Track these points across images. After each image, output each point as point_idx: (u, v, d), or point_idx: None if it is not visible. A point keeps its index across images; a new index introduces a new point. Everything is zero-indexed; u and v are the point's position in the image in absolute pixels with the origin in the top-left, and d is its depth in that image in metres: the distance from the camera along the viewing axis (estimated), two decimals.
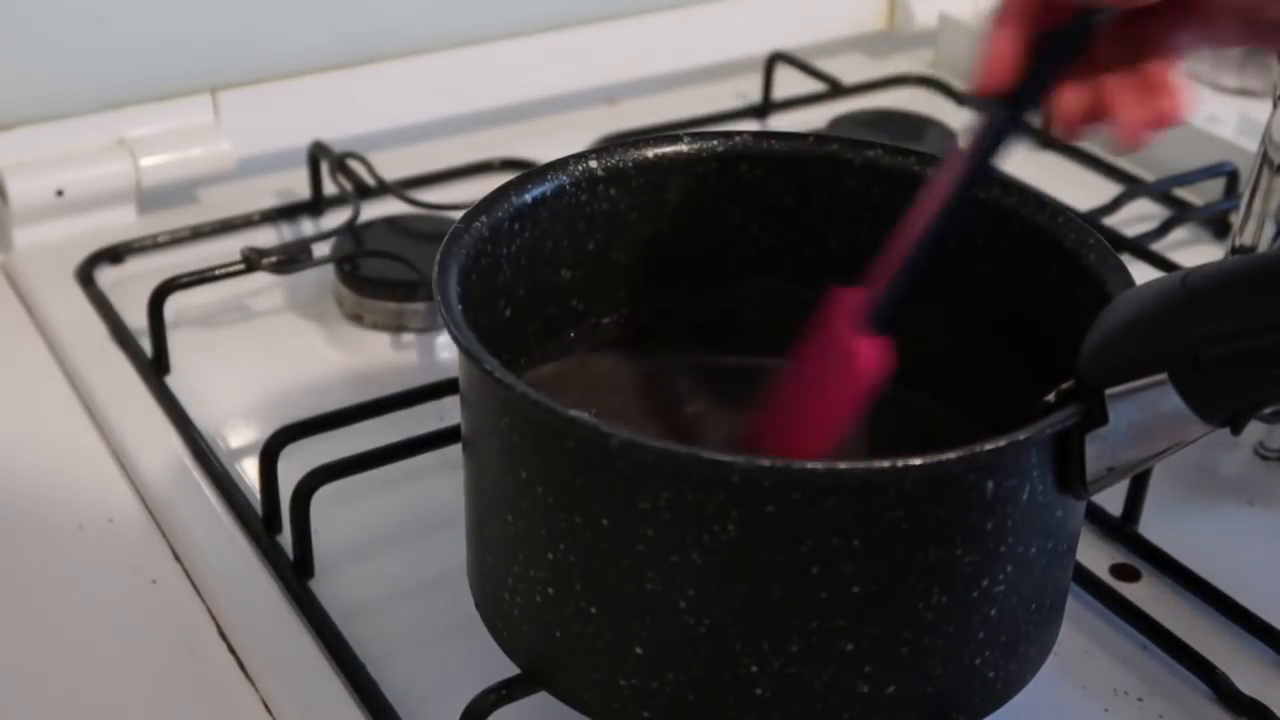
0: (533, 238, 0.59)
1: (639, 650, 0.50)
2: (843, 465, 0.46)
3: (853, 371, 0.56)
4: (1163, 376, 0.47)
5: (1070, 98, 0.53)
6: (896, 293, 0.55)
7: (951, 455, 0.46)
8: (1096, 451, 0.49)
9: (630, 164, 0.61)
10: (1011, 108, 0.53)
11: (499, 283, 0.58)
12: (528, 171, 0.59)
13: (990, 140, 0.53)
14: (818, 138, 0.62)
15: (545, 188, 0.59)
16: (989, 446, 0.46)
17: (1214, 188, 0.91)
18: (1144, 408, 0.48)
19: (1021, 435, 0.47)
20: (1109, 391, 0.48)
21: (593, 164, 0.60)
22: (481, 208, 0.57)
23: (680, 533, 0.48)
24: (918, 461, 0.46)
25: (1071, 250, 0.56)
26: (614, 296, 0.63)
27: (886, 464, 0.46)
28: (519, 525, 0.51)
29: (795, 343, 0.58)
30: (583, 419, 0.47)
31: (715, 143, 0.62)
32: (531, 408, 0.48)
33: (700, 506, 0.47)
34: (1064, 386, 0.49)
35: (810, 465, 0.46)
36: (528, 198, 0.58)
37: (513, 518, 0.52)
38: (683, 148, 0.61)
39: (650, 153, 0.61)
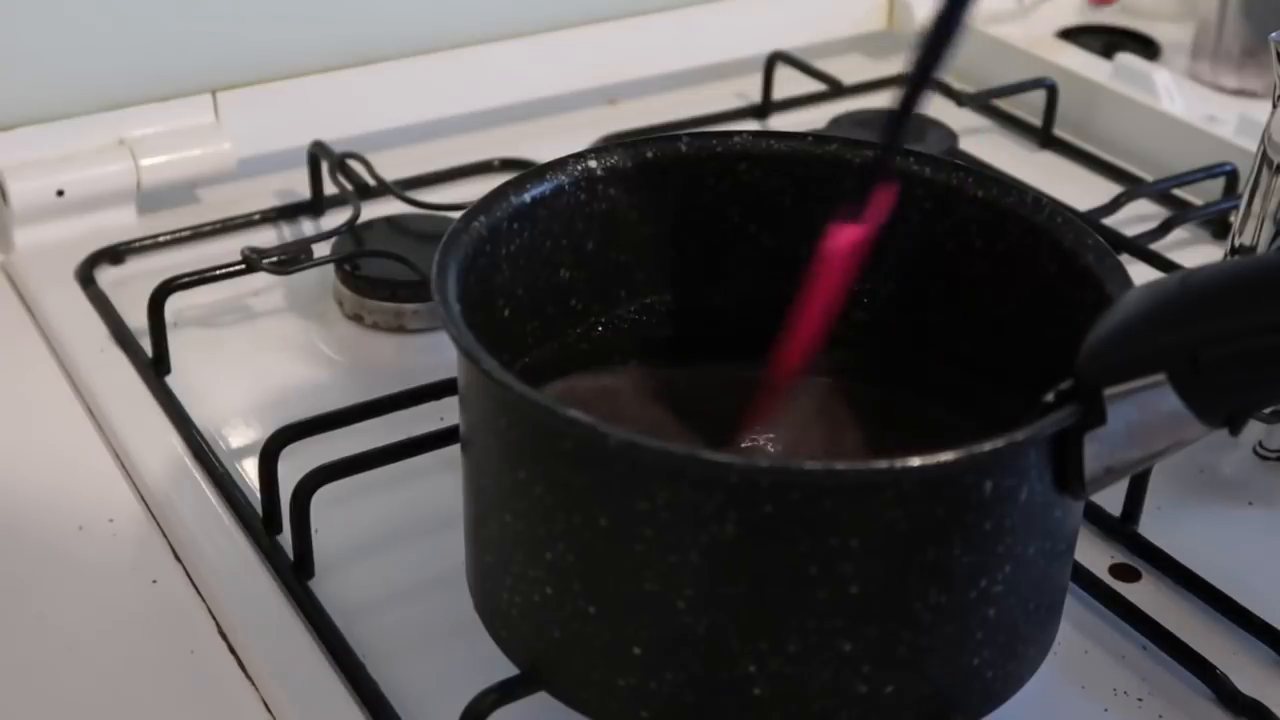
0: (531, 237, 0.59)
1: (637, 650, 0.50)
2: (840, 466, 0.47)
3: (824, 257, 0.55)
4: (1161, 377, 0.47)
5: None
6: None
7: (950, 456, 0.46)
8: (1095, 451, 0.49)
9: (629, 164, 0.61)
10: None
11: (497, 283, 0.58)
12: (526, 171, 0.59)
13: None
14: (817, 138, 0.62)
15: (544, 188, 0.59)
16: (987, 447, 0.46)
17: (1214, 188, 0.91)
18: (1143, 408, 0.48)
19: (1020, 435, 0.47)
20: (1107, 391, 0.48)
21: (592, 164, 0.60)
22: (480, 208, 0.57)
23: (678, 533, 0.48)
24: (916, 462, 0.45)
25: (1070, 250, 0.56)
26: (613, 297, 0.63)
27: (884, 464, 0.46)
28: (517, 525, 0.51)
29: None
30: (580, 419, 0.47)
31: (714, 142, 0.62)
32: (530, 408, 0.48)
33: (698, 507, 0.47)
34: (1062, 386, 0.49)
35: (808, 466, 0.46)
36: (526, 197, 0.58)
37: (511, 517, 0.52)
38: (681, 148, 0.61)
39: (649, 153, 0.61)
